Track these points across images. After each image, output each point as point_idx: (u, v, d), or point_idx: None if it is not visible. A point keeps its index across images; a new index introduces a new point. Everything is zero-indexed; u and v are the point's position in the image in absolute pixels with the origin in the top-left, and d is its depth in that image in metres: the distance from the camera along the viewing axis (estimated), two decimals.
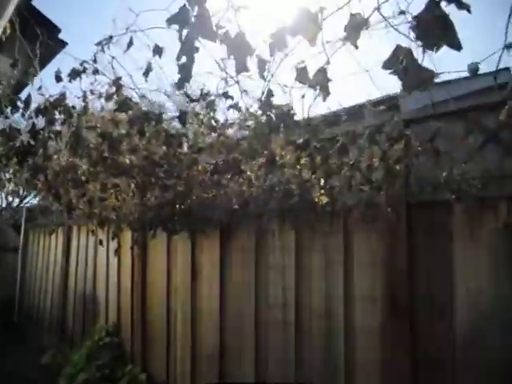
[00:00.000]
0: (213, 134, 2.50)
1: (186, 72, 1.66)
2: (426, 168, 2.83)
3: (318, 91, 1.68)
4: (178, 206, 4.05)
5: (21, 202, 15.06)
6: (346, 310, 3.28)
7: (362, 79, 2.16)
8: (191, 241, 4.72)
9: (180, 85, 1.75)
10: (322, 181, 3.00)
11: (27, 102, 2.51)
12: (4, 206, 14.15)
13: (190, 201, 3.70)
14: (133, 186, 3.93)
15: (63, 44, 3.65)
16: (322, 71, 1.59)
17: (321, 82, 1.60)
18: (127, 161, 3.31)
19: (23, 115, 2.83)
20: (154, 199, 4.15)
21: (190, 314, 4.65)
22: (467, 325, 2.67)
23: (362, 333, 3.17)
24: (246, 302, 4.05)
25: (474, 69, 3.20)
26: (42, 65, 3.17)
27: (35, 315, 8.69)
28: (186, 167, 2.87)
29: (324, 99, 1.68)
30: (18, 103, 2.73)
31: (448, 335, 2.73)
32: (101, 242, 4.99)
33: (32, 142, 2.93)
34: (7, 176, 4.27)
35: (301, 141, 2.47)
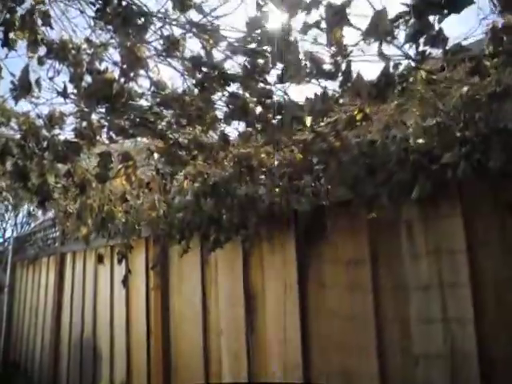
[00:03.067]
0: None
1: None
2: None
3: None
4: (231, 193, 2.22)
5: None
6: None
7: None
8: (243, 255, 2.86)
9: None
10: None
11: None
12: None
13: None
14: (156, 156, 2.11)
15: None
16: None
17: None
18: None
19: None
20: (189, 184, 2.32)
21: (245, 367, 2.73)
22: None
23: None
24: (361, 348, 2.17)
25: None
26: None
27: (23, 365, 6.57)
28: None
29: None
30: None
31: None
32: (100, 259, 3.06)
33: None
34: None
35: None
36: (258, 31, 1.19)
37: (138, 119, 1.84)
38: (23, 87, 1.47)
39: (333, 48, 1.12)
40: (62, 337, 5.28)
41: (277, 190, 2.12)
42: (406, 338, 2.01)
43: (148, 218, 2.38)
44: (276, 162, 1.86)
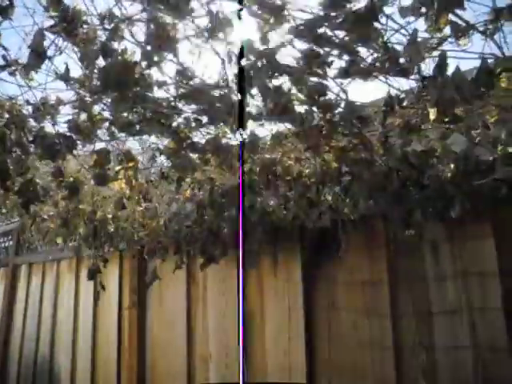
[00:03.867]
0: None
1: None
2: None
3: None
4: None
5: None
6: None
7: None
8: (238, 271, 2.61)
9: None
10: None
11: None
12: None
13: None
14: (163, 157, 1.85)
15: None
16: None
17: None
18: None
19: None
20: (193, 192, 2.06)
21: None
22: None
23: None
24: (378, 379, 1.98)
25: None
26: None
27: None
28: None
29: None
30: None
31: None
32: (92, 275, 2.66)
33: None
34: None
35: None
36: (337, 11, 1.01)
37: (149, 113, 1.59)
38: (36, 53, 1.18)
39: (435, 36, 0.95)
40: (11, 358, 4.66)
41: (292, 202, 1.92)
42: (430, 366, 1.85)
43: (150, 227, 2.08)
44: (306, 171, 1.67)
